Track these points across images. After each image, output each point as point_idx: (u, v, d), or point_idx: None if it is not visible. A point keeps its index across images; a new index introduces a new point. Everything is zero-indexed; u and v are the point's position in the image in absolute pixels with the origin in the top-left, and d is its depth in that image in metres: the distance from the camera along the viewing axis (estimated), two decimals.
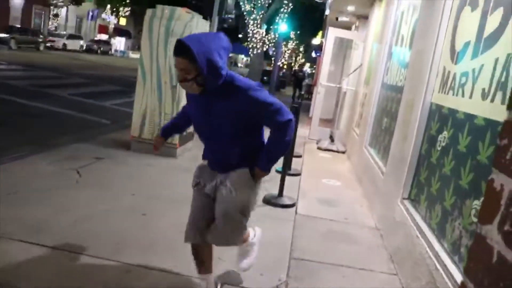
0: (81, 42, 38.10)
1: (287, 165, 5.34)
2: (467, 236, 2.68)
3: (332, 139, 9.32)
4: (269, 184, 5.62)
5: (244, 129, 2.56)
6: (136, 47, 47.17)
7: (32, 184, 4.49)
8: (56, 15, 36.62)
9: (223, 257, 3.47)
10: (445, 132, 3.44)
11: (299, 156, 7.63)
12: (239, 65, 41.35)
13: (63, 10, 37.47)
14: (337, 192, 5.93)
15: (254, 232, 3.11)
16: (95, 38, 43.54)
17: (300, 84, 22.60)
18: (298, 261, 3.59)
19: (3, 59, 18.46)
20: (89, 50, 38.48)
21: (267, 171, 2.64)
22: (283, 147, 2.62)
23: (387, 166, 4.99)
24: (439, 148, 3.51)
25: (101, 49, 40.81)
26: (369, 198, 5.60)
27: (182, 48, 2.29)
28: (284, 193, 5.10)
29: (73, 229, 3.58)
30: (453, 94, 3.40)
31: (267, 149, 2.60)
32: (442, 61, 3.82)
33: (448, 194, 3.11)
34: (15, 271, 2.85)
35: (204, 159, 2.80)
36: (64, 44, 34.82)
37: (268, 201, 4.93)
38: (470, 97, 3.03)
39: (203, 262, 2.80)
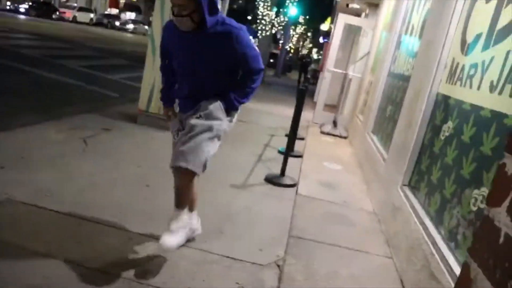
0: (91, 15, 37.78)
1: (290, 146, 5.33)
2: (464, 224, 2.69)
3: (335, 124, 9.29)
4: (271, 163, 5.65)
5: (226, 70, 2.71)
6: (146, 22, 46.78)
7: (39, 150, 4.50)
8: None
9: (224, 230, 3.50)
10: (449, 122, 3.42)
11: (302, 139, 7.63)
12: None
13: None
14: (337, 175, 5.93)
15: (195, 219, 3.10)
16: (106, 12, 43.17)
17: (305, 69, 22.41)
18: (296, 239, 3.61)
19: (17, 28, 18.37)
20: (98, 24, 38.18)
21: (233, 109, 2.78)
22: (252, 92, 2.81)
23: (389, 153, 4.98)
24: (442, 138, 3.50)
25: (111, 23, 40.46)
26: (368, 183, 5.61)
27: None
28: (286, 173, 5.10)
29: (78, 196, 3.60)
30: (460, 85, 3.37)
31: (238, 89, 2.76)
32: (451, 52, 3.77)
33: (448, 183, 3.11)
34: (21, 233, 2.87)
35: (176, 98, 2.95)
36: (74, 16, 34.56)
37: (270, 180, 4.94)
38: (478, 88, 3.00)
39: (177, 196, 2.84)
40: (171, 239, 2.68)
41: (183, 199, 2.81)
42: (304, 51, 41.22)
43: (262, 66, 2.78)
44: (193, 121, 2.65)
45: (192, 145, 2.58)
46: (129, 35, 33.48)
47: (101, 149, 4.94)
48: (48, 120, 5.61)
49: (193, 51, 2.62)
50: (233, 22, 2.62)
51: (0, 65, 9.23)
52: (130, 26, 41.38)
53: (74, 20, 34.63)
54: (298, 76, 24.06)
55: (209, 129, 2.64)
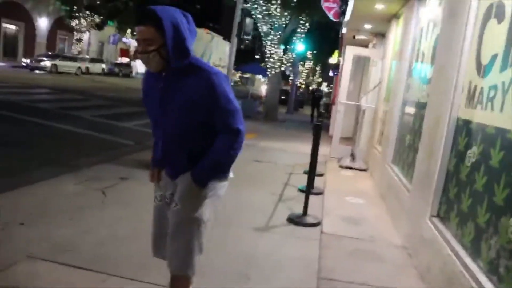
0: (103, 65, 38.65)
1: (310, 184, 5.24)
2: (505, 255, 2.55)
3: (353, 157, 9.19)
4: (292, 202, 5.55)
5: (199, 125, 2.26)
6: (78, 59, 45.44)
7: (58, 204, 4.49)
8: (79, 40, 37.32)
9: (251, 275, 3.39)
10: (474, 148, 3.32)
11: (321, 175, 7.54)
12: (262, 86, 38.73)
13: (86, 35, 38.17)
14: (361, 210, 5.80)
15: None
16: (117, 62, 44.20)
17: (318, 103, 22.56)
18: (326, 281, 3.48)
19: (33, 84, 18.85)
20: (110, 73, 39.01)
21: (200, 181, 2.26)
22: (227, 159, 2.28)
23: (412, 183, 4.86)
24: (468, 164, 3.39)
25: (122, 71, 41.31)
26: (394, 216, 5.46)
27: (147, 16, 2.10)
28: (308, 211, 4.99)
29: (99, 249, 3.54)
30: (481, 109, 3.30)
31: (208, 157, 2.25)
32: (467, 75, 3.72)
33: (481, 211, 2.99)
34: None
35: (153, 162, 2.50)
36: (87, 68, 35.37)
37: (292, 220, 4.83)
38: (501, 110, 2.93)
39: None
40: None
41: None
42: (314, 86, 41.50)
43: (239, 126, 2.25)
44: (172, 217, 2.32)
45: (180, 248, 2.32)
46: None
47: (120, 199, 4.91)
48: (66, 173, 5.63)
49: (161, 98, 2.26)
50: (208, 65, 2.27)
51: (18, 120, 9.41)
52: (46, 64, 29.83)
53: (87, 71, 35.47)
54: (311, 111, 24.13)
55: (190, 224, 2.29)
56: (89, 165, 6.22)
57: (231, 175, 2.40)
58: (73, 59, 33.77)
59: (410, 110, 6.03)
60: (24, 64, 29.71)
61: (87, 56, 37.93)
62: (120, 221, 4.25)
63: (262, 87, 37.49)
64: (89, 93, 18.56)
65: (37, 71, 28.39)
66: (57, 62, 30.86)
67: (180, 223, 2.29)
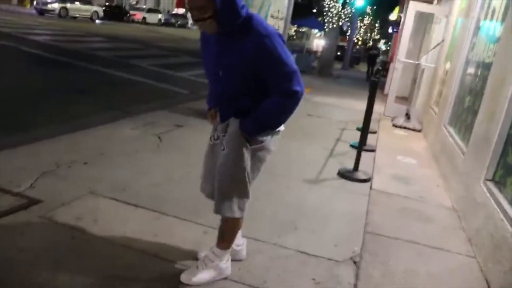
0: (159, 15, 38.95)
1: (363, 140, 5.20)
2: None
3: (408, 116, 8.96)
4: (343, 158, 5.56)
5: (249, 87, 2.28)
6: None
7: (117, 147, 4.71)
8: None
9: (298, 225, 3.47)
10: None
11: (374, 132, 7.43)
12: (315, 41, 37.96)
13: None
14: (412, 169, 5.72)
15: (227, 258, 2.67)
16: (173, 12, 44.42)
17: (374, 61, 21.90)
18: (372, 235, 3.52)
19: (90, 32, 19.38)
20: (166, 24, 39.33)
21: (246, 132, 2.31)
22: (277, 118, 2.31)
23: (468, 146, 4.71)
24: None
25: (179, 22, 41.54)
26: (446, 178, 5.35)
27: None
28: (359, 168, 4.99)
29: (154, 190, 3.73)
30: None
31: (259, 111, 2.26)
32: None
33: None
34: (102, 225, 3.02)
35: (209, 104, 2.59)
36: (144, 18, 35.80)
37: (343, 174, 4.85)
38: None
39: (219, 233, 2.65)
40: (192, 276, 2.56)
41: (222, 238, 2.64)
42: (371, 43, 40.19)
43: (297, 88, 2.21)
44: (220, 159, 2.41)
45: (221, 192, 2.43)
46: (197, 32, 31.82)
47: (175, 145, 5.09)
48: (123, 118, 5.87)
49: (215, 56, 2.31)
50: (262, 25, 2.21)
51: (78, 67, 9.78)
52: (54, 7, 26.45)
53: (144, 21, 35.93)
54: (367, 68, 23.53)
55: (232, 170, 2.37)
56: (145, 111, 6.44)
57: (281, 128, 2.43)
58: (87, 2, 29.56)
59: (473, 70, 5.77)
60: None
61: (144, 7, 38.32)
62: (174, 165, 4.42)
63: (314, 41, 36.63)
64: (146, 43, 18.86)
65: (47, 15, 26.02)
66: (68, 5, 27.10)
67: (224, 167, 2.38)
